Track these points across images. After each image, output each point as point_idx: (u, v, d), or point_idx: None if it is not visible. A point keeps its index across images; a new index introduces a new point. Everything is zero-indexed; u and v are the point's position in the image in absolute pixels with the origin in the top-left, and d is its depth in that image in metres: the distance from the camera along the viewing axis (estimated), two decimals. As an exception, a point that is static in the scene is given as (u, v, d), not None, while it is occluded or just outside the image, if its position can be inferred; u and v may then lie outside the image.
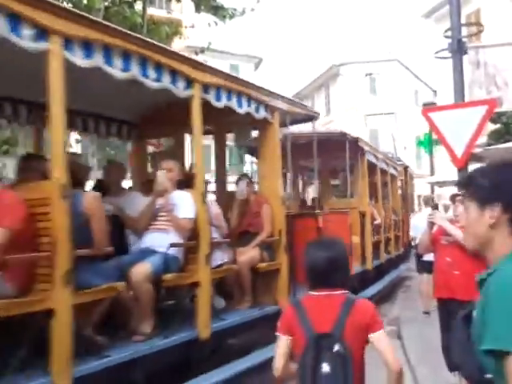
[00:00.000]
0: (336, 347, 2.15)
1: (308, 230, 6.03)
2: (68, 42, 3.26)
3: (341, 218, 7.13)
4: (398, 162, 13.21)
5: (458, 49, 5.14)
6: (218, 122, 5.08)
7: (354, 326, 2.24)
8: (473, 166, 7.68)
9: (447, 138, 5.23)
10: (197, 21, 11.16)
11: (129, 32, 3.79)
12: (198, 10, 10.39)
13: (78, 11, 3.45)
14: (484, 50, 5.19)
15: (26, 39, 3.01)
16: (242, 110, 4.96)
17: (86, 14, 3.51)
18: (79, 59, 3.33)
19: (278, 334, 2.42)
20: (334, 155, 8.11)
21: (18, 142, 7.26)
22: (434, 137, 17.92)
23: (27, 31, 3.02)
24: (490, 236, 1.41)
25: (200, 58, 24.04)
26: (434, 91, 35.55)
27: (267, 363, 2.84)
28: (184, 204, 4.37)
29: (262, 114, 5.28)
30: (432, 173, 16.73)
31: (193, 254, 4.41)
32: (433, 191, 17.00)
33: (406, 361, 5.73)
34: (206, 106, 4.47)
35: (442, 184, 16.05)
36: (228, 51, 29.90)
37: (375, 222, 8.26)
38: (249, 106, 5.06)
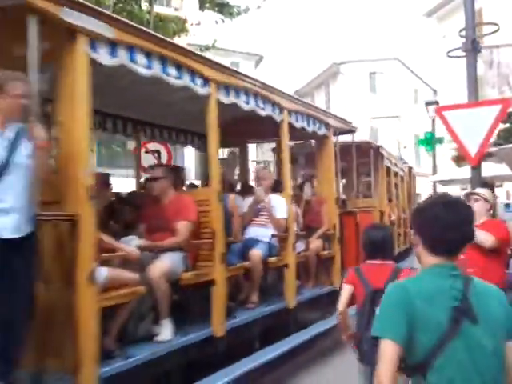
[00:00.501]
0: None
1: (348, 225, 7.31)
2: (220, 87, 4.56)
3: (367, 215, 8.18)
4: (404, 164, 14.50)
5: (473, 48, 5.18)
6: (291, 136, 6.12)
7: None
8: (486, 164, 7.68)
9: (461, 137, 5.30)
10: (198, 18, 11.17)
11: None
12: (202, 7, 10.41)
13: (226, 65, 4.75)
14: (498, 49, 5.24)
15: (198, 86, 4.24)
16: (310, 129, 6.39)
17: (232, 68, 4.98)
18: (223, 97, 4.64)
19: (344, 284, 3.42)
20: (359, 160, 8.82)
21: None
22: (438, 135, 18.04)
23: (199, 80, 4.25)
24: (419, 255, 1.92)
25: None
26: (434, 90, 35.63)
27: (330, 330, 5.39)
28: (280, 206, 5.67)
29: (322, 131, 6.75)
30: (434, 171, 16.75)
31: (283, 243, 5.70)
32: (435, 189, 17.05)
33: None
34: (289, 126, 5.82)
35: (445, 183, 16.12)
36: (229, 49, 29.87)
37: (391, 219, 9.10)
38: (314, 125, 6.49)
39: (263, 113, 5.18)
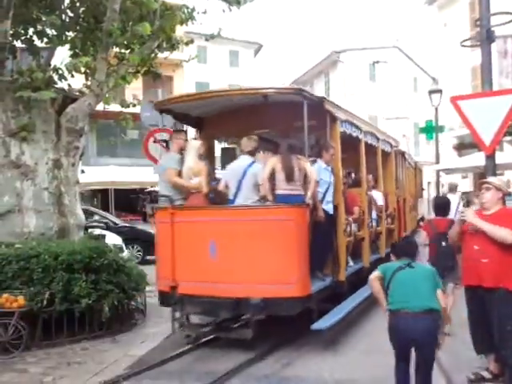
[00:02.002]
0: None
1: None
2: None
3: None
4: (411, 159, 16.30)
5: (487, 38, 5.23)
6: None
7: None
8: (499, 154, 7.72)
9: (475, 126, 5.36)
10: (205, 7, 11.09)
11: None
12: (209, -4, 10.34)
13: None
14: (512, 39, 5.30)
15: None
16: (384, 148, 10.09)
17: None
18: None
19: (421, 229, 6.76)
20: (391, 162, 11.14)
21: (35, 128, 7.27)
22: (440, 123, 18.07)
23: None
24: None
25: (200, 44, 23.68)
26: (433, 78, 35.60)
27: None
28: (378, 197, 9.57)
29: (387, 148, 10.48)
30: (437, 160, 16.82)
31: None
32: (438, 178, 17.14)
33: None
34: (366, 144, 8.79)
35: (448, 171, 16.20)
36: (227, 37, 29.77)
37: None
38: (383, 144, 10.06)
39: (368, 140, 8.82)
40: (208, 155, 7.22)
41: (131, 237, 14.42)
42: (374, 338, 6.08)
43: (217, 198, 6.34)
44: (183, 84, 32.52)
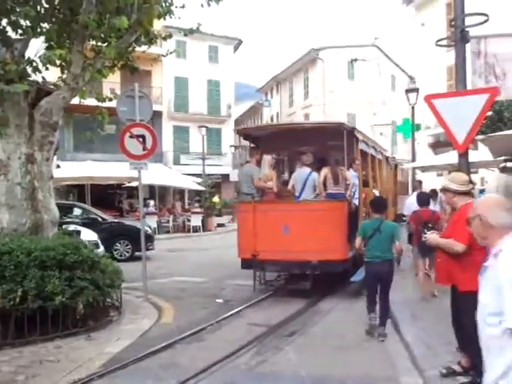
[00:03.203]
0: (430, 225, 5.53)
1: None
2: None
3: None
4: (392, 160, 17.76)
5: (462, 38, 5.30)
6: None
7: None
8: (473, 153, 7.84)
9: (449, 124, 5.43)
10: (183, 1, 11.00)
11: None
12: (185, -11, 10.24)
13: None
14: (485, 40, 5.37)
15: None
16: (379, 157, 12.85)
17: None
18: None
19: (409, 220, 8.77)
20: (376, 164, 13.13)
21: (8, 122, 7.10)
22: (418, 121, 18.30)
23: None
24: None
25: (179, 38, 23.26)
26: (410, 77, 36.01)
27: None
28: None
29: (380, 157, 12.93)
30: (413, 158, 17.03)
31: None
32: (414, 176, 17.33)
33: (401, 341, 5.99)
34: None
35: (424, 169, 16.41)
36: (207, 32, 29.64)
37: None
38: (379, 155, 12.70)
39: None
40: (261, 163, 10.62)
41: (120, 233, 14.31)
42: (349, 332, 6.19)
43: (284, 194, 10.12)
44: (162, 79, 32.27)
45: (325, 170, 9.45)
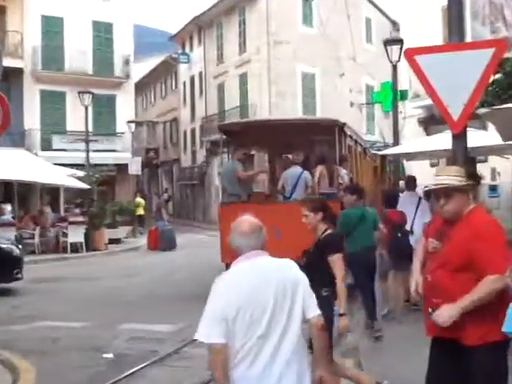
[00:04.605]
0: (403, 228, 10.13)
1: None
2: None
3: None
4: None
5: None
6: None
7: None
8: (474, 134, 8.10)
9: (440, 92, 5.57)
10: None
11: None
12: None
13: None
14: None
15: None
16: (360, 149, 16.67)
17: None
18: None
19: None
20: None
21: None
22: (404, 87, 18.69)
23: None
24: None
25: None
26: (393, 22, 36.87)
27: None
28: None
29: (360, 149, 16.26)
30: (396, 140, 17.41)
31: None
32: (397, 167, 17.76)
33: None
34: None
35: (410, 157, 16.78)
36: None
37: None
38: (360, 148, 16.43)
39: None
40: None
41: None
42: None
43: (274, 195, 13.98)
44: (23, 19, 31.43)
45: (320, 168, 12.23)
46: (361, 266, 8.60)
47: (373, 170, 18.88)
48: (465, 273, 4.22)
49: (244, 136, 14.26)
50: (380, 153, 19.41)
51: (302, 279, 3.84)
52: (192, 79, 45.97)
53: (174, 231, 26.52)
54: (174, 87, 51.12)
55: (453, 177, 4.39)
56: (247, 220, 3.99)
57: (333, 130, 12.40)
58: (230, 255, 10.90)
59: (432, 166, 23.97)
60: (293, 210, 11.11)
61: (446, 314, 4.21)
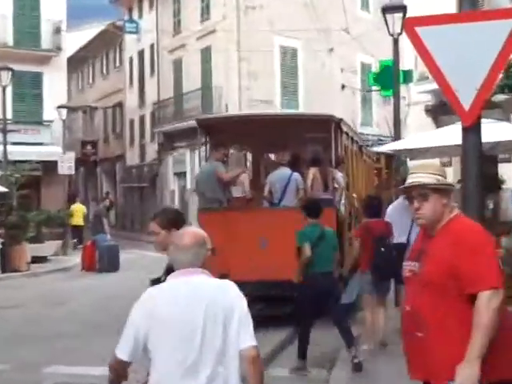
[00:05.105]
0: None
1: None
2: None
3: None
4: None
5: None
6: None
7: None
8: (494, 126, 8.17)
9: (447, 73, 5.57)
10: None
11: None
12: None
13: None
14: None
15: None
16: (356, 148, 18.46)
17: None
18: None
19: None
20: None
21: None
22: (408, 67, 18.69)
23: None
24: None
25: None
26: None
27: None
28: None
29: (355, 147, 17.84)
30: (397, 133, 17.46)
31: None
32: (400, 165, 17.83)
33: None
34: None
35: (414, 154, 16.83)
36: None
37: None
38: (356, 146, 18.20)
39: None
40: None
41: None
42: None
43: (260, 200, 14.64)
44: None
45: (313, 171, 13.39)
46: (310, 294, 9.49)
47: (375, 172, 20.05)
48: (450, 295, 4.23)
49: (224, 133, 15.37)
50: (376, 149, 19.49)
51: (239, 305, 4.23)
52: (141, 54, 45.91)
53: (117, 247, 26.34)
54: (117, 64, 51.01)
55: (430, 174, 4.44)
56: (190, 233, 4.41)
57: (327, 127, 13.31)
58: (213, 269, 12.38)
59: (443, 165, 24.12)
60: (282, 217, 12.70)
61: (466, 378, 4.11)
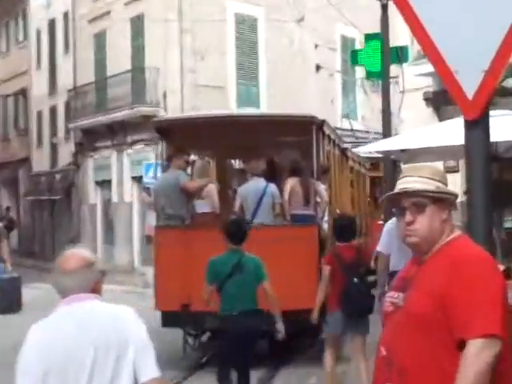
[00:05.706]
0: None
1: None
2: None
3: None
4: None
5: None
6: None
7: None
8: (501, 118, 8.38)
9: (444, 51, 5.65)
10: None
11: None
12: None
13: None
14: None
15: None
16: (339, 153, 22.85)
17: None
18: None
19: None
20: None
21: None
22: (402, 42, 18.94)
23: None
24: None
25: None
26: None
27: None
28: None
29: (337, 151, 21.37)
30: (387, 129, 17.67)
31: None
32: (394, 172, 18.03)
33: None
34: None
35: (412, 155, 16.99)
36: None
37: None
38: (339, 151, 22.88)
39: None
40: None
41: None
42: None
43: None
44: None
45: (291, 182, 14.83)
46: (228, 337, 10.40)
47: (365, 183, 22.59)
48: (437, 337, 4.23)
49: (186, 137, 17.13)
50: (357, 150, 19.77)
51: (135, 334, 4.61)
52: (51, 25, 45.87)
53: (19, 280, 26.34)
54: (20, 38, 50.94)
55: (427, 179, 4.46)
56: (74, 255, 4.81)
57: (308, 130, 14.87)
58: (169, 299, 15.30)
59: (448, 171, 24.32)
60: (255, 236, 13.09)
61: None
